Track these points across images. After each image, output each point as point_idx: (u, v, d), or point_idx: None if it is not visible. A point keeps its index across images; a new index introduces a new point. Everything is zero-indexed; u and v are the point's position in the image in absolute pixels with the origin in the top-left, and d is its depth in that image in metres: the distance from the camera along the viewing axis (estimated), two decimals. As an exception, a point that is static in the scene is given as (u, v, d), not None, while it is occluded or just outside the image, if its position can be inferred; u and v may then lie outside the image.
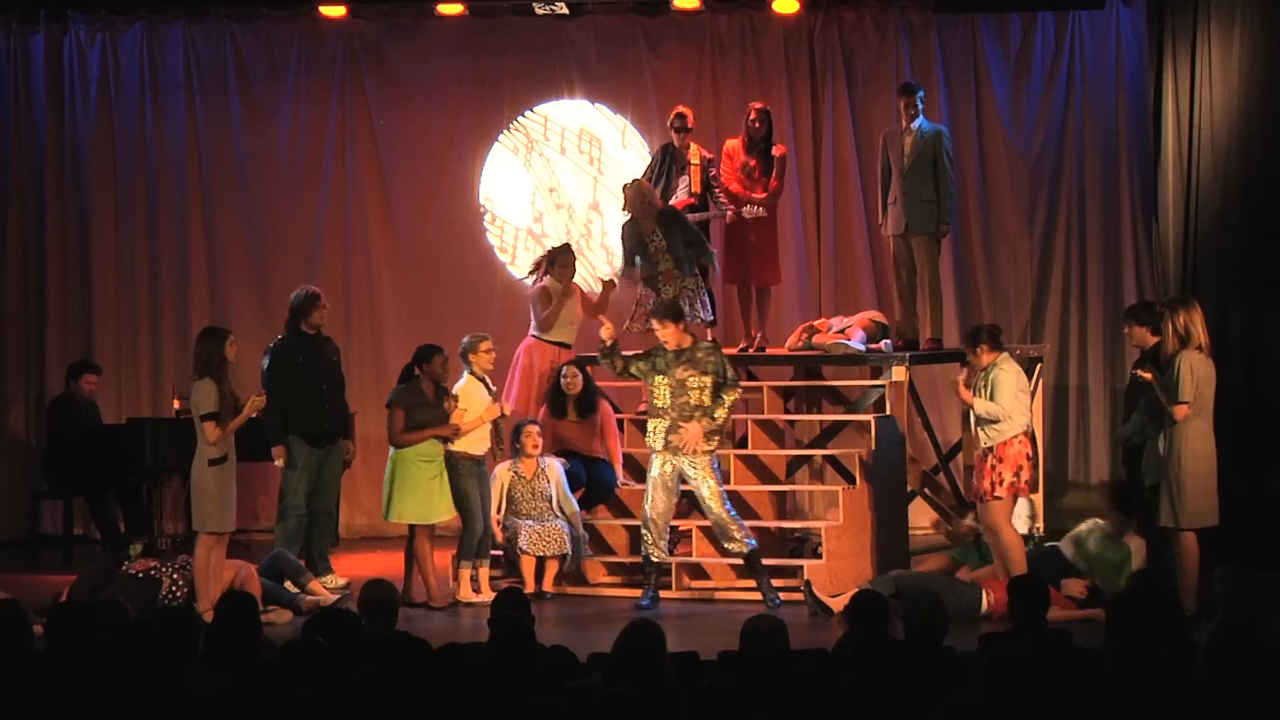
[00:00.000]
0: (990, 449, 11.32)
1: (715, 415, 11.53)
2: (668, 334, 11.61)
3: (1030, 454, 11.39)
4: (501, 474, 12.25)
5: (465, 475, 11.92)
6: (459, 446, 11.92)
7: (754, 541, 11.61)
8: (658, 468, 11.59)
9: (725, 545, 11.63)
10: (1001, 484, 11.28)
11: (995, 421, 11.29)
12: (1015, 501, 11.53)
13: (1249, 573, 8.14)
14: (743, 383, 13.37)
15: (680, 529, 12.57)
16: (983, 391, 11.38)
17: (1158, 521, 10.87)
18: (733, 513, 11.58)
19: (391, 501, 11.84)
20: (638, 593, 11.94)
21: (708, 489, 11.52)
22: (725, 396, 11.54)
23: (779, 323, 14.49)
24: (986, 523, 11.41)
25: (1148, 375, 11.02)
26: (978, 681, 5.75)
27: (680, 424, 11.50)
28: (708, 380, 11.54)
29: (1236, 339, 13.09)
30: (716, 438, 11.61)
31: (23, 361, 15.47)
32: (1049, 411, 14.48)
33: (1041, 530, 13.48)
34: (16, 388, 15.45)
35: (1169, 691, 6.10)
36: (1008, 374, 11.39)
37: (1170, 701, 6.02)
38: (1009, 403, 11.31)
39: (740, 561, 12.00)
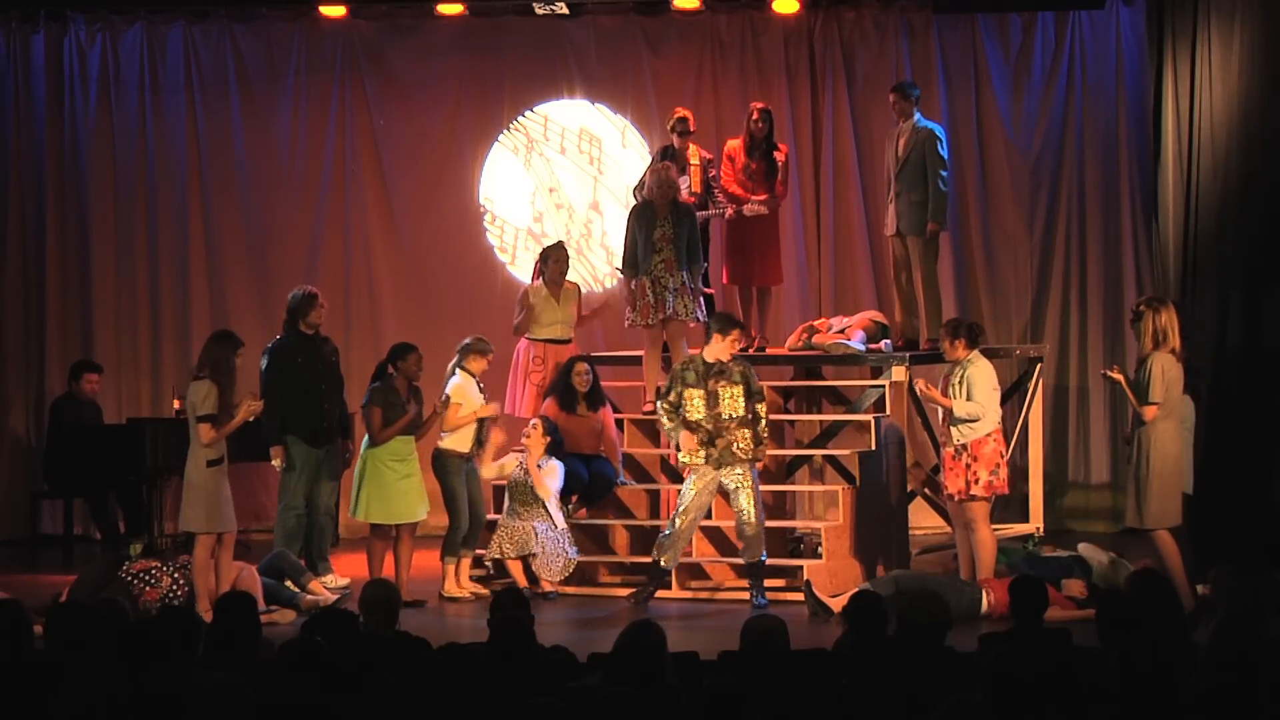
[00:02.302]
0: (964, 447, 11.34)
1: (761, 432, 11.56)
2: (721, 347, 11.55)
3: (1004, 451, 11.44)
4: (513, 461, 12.31)
5: (453, 473, 12.03)
6: (447, 444, 12.02)
7: (766, 555, 11.64)
8: (697, 483, 11.57)
9: (742, 552, 11.62)
10: (978, 483, 11.32)
11: (972, 420, 11.32)
12: (993, 500, 11.55)
13: (1248, 573, 8.14)
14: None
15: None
16: (957, 390, 11.41)
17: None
18: (762, 527, 11.58)
19: (359, 500, 11.83)
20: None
21: (746, 498, 11.52)
22: (760, 410, 11.56)
23: (779, 323, 14.49)
24: (964, 520, 11.44)
25: (1117, 375, 11.07)
26: (982, 681, 5.75)
27: (716, 438, 11.49)
28: (739, 390, 11.55)
29: (1237, 338, 13.09)
30: (762, 448, 11.63)
31: (23, 361, 15.48)
32: (1049, 411, 14.50)
33: (1041, 531, 13.49)
34: (16, 388, 15.46)
35: (1169, 691, 6.10)
36: (981, 371, 11.45)
37: (1170, 701, 6.02)
38: (985, 400, 11.37)
39: (740, 561, 12.03)
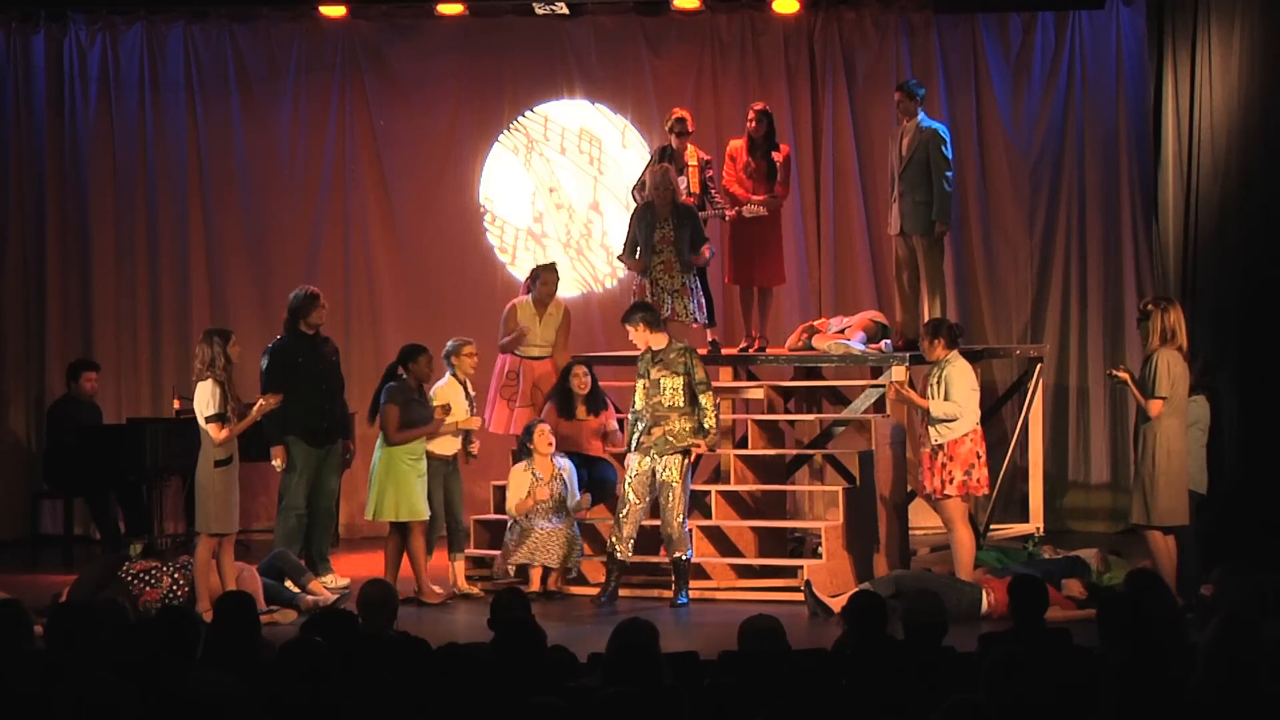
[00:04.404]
0: (941, 446, 11.35)
1: (706, 426, 11.61)
2: (635, 336, 11.75)
3: (980, 452, 11.44)
4: (520, 476, 12.26)
5: (433, 475, 12.05)
6: (432, 447, 12.03)
7: (691, 552, 11.71)
8: (633, 469, 11.71)
9: (667, 545, 11.71)
10: (952, 482, 11.34)
11: (949, 420, 11.33)
12: (969, 500, 11.57)
13: (1249, 573, 8.14)
14: (742, 383, 13.43)
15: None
16: (935, 390, 11.42)
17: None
18: (684, 525, 11.65)
19: (383, 500, 11.84)
20: (639, 592, 11.97)
21: (672, 495, 11.60)
22: (704, 401, 11.61)
23: (779, 323, 14.48)
24: (944, 519, 11.46)
25: (1123, 374, 11.07)
26: (983, 680, 5.74)
27: (653, 426, 11.61)
28: (679, 381, 11.63)
29: (1235, 339, 13.09)
30: (709, 437, 11.66)
31: (23, 361, 15.48)
32: (1049, 411, 14.49)
33: (1041, 531, 13.48)
34: (16, 388, 15.45)
35: (1168, 691, 6.10)
36: (960, 371, 11.47)
37: (1170, 701, 6.02)
38: (963, 400, 11.38)
39: (741, 561, 12.07)
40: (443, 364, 12.29)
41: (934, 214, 12.91)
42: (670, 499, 11.59)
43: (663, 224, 12.63)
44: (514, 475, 12.28)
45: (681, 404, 11.63)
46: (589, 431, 12.72)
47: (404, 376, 11.98)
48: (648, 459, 11.65)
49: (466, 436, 12.23)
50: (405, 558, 11.96)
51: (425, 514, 11.90)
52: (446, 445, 12.12)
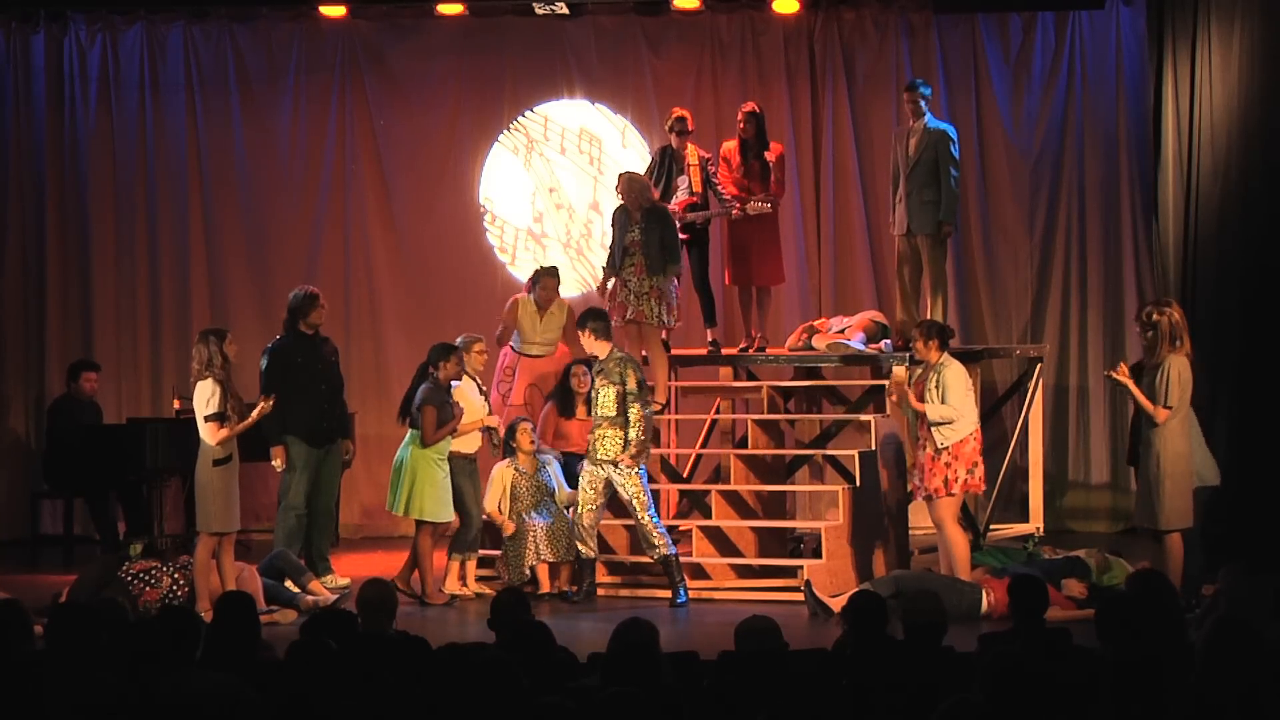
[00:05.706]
0: (945, 447, 11.37)
1: (629, 438, 11.65)
2: (584, 342, 11.86)
3: (981, 451, 11.48)
4: (502, 473, 12.29)
5: (459, 473, 12.09)
6: (455, 446, 12.04)
7: (674, 548, 11.75)
8: (585, 474, 11.84)
9: (645, 547, 11.75)
10: (956, 481, 11.35)
11: (950, 422, 11.35)
12: (968, 497, 11.60)
13: (1255, 573, 8.15)
14: (743, 383, 13.43)
15: (680, 529, 12.59)
16: (934, 394, 11.43)
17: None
18: (655, 520, 11.71)
19: (412, 497, 11.87)
20: (639, 592, 11.99)
21: (632, 495, 11.68)
22: (631, 413, 11.65)
23: (779, 323, 14.49)
24: (935, 519, 11.47)
25: (1125, 378, 11.05)
26: (980, 680, 5.75)
27: (595, 431, 11.75)
28: (613, 391, 11.68)
29: (1235, 338, 13.10)
30: (643, 452, 11.71)
31: (23, 361, 15.48)
32: (1049, 411, 14.49)
33: (1041, 531, 13.49)
34: (16, 388, 15.46)
35: (1168, 691, 6.10)
36: (956, 374, 11.49)
37: (1169, 701, 6.02)
38: (960, 403, 11.40)
39: (741, 561, 12.06)
40: None
41: (941, 213, 12.92)
42: (636, 508, 11.67)
43: (633, 227, 12.65)
44: (496, 473, 12.33)
45: (613, 414, 11.71)
46: (586, 431, 12.72)
47: (435, 375, 11.99)
48: (599, 469, 11.75)
49: (487, 431, 12.29)
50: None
51: (446, 517, 11.93)
52: (470, 444, 12.17)
